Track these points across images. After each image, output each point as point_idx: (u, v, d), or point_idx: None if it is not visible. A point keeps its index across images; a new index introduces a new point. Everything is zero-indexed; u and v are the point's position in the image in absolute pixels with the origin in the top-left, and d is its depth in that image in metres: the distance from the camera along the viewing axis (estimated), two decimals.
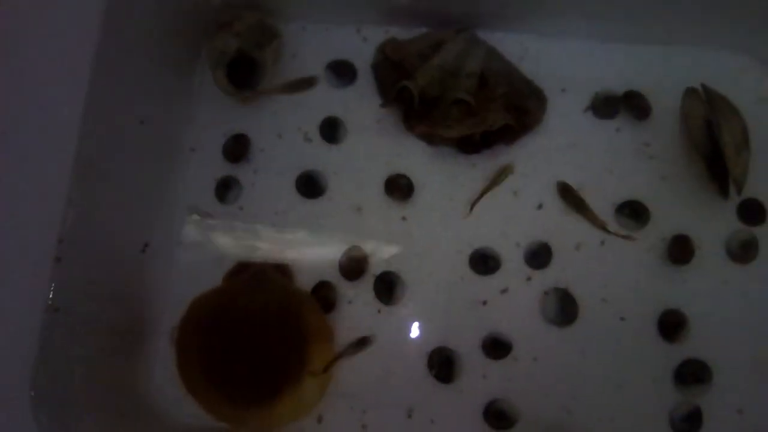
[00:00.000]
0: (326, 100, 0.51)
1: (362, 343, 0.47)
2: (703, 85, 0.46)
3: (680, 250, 0.47)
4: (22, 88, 0.39)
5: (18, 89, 0.39)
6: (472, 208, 0.47)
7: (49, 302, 0.36)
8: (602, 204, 0.48)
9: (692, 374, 0.46)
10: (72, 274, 0.38)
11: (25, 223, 0.37)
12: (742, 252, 0.47)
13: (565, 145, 0.49)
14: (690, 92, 0.47)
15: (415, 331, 0.47)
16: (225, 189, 0.50)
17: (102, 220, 0.43)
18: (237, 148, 0.50)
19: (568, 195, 0.47)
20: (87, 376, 0.40)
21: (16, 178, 0.38)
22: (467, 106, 0.47)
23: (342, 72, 0.51)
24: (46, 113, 0.39)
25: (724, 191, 0.46)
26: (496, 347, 0.47)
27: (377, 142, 0.50)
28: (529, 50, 0.50)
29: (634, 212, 0.48)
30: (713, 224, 0.47)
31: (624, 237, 0.47)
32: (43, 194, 0.38)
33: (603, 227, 0.47)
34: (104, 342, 0.42)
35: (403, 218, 0.49)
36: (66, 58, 0.40)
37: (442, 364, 0.46)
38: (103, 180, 0.43)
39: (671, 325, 0.46)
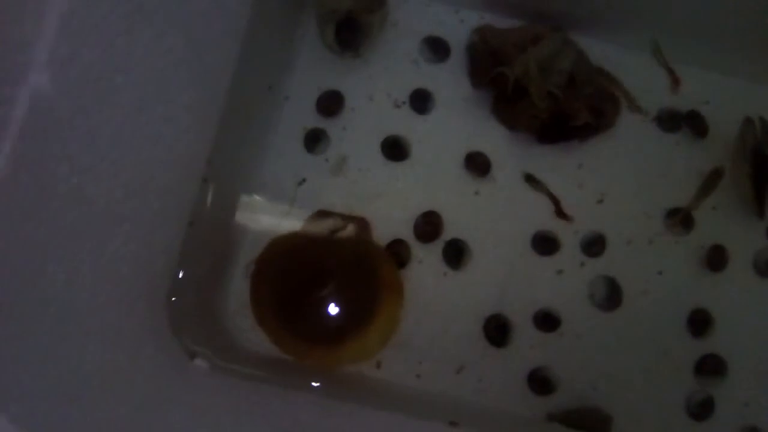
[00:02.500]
0: (419, 72, 0.54)
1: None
2: (761, 118, 0.52)
3: (716, 258, 0.53)
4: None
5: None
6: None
7: (189, 219, 0.39)
8: (655, 208, 0.53)
9: (710, 367, 0.52)
10: (207, 198, 0.41)
11: (178, 147, 0.39)
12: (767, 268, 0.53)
13: (630, 149, 0.54)
14: (748, 121, 0.52)
15: (475, 296, 0.52)
16: (314, 140, 0.53)
17: (225, 159, 0.45)
18: (331, 103, 0.53)
19: (714, 178, 0.52)
20: (198, 297, 0.42)
21: (172, 107, 0.40)
22: (554, 100, 0.51)
23: (437, 48, 0.54)
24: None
25: (761, 212, 0.52)
26: (546, 321, 0.51)
27: (462, 120, 0.53)
28: (609, 59, 0.54)
29: (683, 219, 0.53)
30: (746, 239, 0.53)
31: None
32: (192, 130, 0.40)
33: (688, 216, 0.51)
34: (208, 267, 0.45)
35: (476, 193, 0.53)
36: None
37: (497, 329, 0.51)
38: (233, 124, 0.45)
39: (699, 323, 0.52)
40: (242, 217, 0.51)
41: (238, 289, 0.50)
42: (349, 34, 0.52)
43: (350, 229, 0.52)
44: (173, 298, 0.38)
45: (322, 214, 0.52)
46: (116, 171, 0.35)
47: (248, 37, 0.42)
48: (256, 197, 0.52)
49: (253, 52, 0.51)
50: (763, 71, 0.54)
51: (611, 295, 0.52)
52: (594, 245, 0.53)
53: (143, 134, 0.37)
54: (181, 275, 0.39)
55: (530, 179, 0.52)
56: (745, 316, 0.52)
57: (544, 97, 0.50)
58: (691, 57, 0.54)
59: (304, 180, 0.52)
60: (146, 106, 0.36)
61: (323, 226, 0.52)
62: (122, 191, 0.35)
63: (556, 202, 0.52)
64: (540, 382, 0.51)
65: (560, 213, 0.52)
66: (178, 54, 0.39)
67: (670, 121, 0.54)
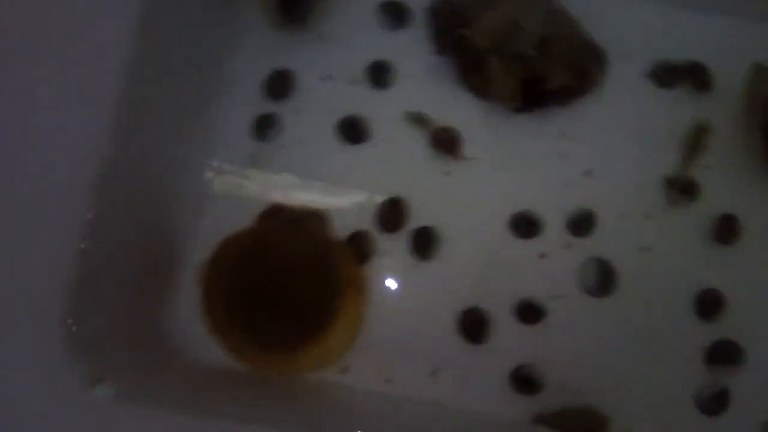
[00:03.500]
0: (377, 42, 0.48)
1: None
2: None
3: (727, 230, 0.46)
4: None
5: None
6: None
7: (87, 230, 0.35)
8: (652, 177, 0.47)
9: (724, 355, 0.45)
10: (110, 202, 0.37)
11: (64, 150, 0.35)
12: None
13: (621, 112, 0.47)
14: (757, 68, 0.45)
15: (448, 288, 0.47)
16: (265, 126, 0.48)
17: (140, 149, 0.41)
18: (280, 85, 0.48)
19: (698, 137, 0.46)
20: (118, 308, 0.39)
21: (56, 104, 0.36)
22: (527, 62, 0.45)
23: (396, 14, 0.49)
24: (94, 36, 0.37)
25: None
26: (530, 312, 0.46)
27: (427, 92, 0.48)
28: (592, 7, 0.48)
29: (684, 187, 0.46)
30: (762, 206, 0.46)
31: None
32: (83, 122, 0.36)
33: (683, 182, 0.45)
34: (135, 274, 0.41)
35: (447, 173, 0.48)
36: None
37: (474, 324, 0.46)
38: (142, 108, 0.41)
39: (708, 305, 0.46)
40: (188, 217, 0.47)
41: (189, 295, 0.47)
42: (295, 5, 0.47)
43: (308, 223, 0.48)
44: (71, 320, 0.34)
45: (276, 208, 0.48)
46: None
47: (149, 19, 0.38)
48: (203, 194, 0.48)
49: (195, 34, 0.47)
50: None
51: (603, 279, 0.46)
52: (582, 223, 0.47)
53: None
54: (82, 293, 0.35)
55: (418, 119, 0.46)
56: (763, 295, 0.46)
57: (512, 58, 0.44)
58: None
59: (252, 171, 0.48)
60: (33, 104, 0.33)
61: (277, 221, 0.48)
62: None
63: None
64: (524, 381, 0.46)
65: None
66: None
67: (667, 74, 0.47)
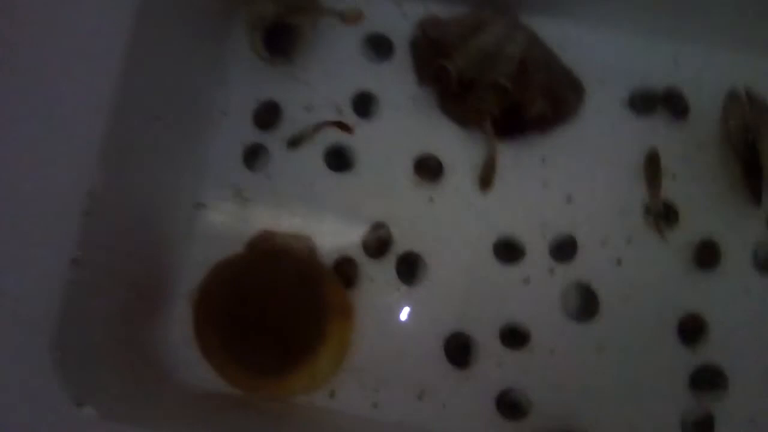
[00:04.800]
0: (361, 73, 0.50)
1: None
2: (747, 90, 0.45)
3: (707, 255, 0.47)
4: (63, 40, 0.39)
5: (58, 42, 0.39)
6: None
7: (74, 256, 0.36)
8: (632, 202, 0.47)
9: (708, 380, 0.45)
10: (98, 229, 0.38)
11: (54, 176, 0.36)
12: None
13: (599, 138, 0.48)
14: (732, 95, 0.46)
15: (433, 313, 0.47)
16: (253, 156, 0.50)
17: (131, 178, 0.42)
18: (268, 115, 0.50)
19: (652, 164, 0.47)
20: (107, 333, 0.40)
21: (48, 130, 0.37)
22: (504, 91, 0.46)
23: (379, 46, 0.50)
24: (84, 65, 0.38)
25: (756, 198, 0.46)
26: (514, 337, 0.46)
27: (409, 121, 0.49)
28: (569, 38, 0.49)
29: (659, 214, 0.47)
30: (742, 231, 0.47)
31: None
32: (73, 149, 0.37)
33: (658, 211, 0.46)
34: (125, 300, 0.42)
35: (430, 199, 0.48)
36: (106, 11, 0.40)
37: (459, 349, 0.46)
38: (134, 137, 0.42)
39: (690, 330, 0.46)
40: (179, 244, 0.48)
41: (182, 319, 0.47)
42: (279, 40, 0.48)
43: (295, 249, 0.49)
44: (61, 341, 0.35)
45: (266, 234, 0.49)
46: None
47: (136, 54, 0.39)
48: (194, 221, 0.49)
49: (186, 69, 0.48)
50: (746, 38, 0.47)
51: (586, 304, 0.46)
52: (563, 249, 0.47)
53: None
54: (68, 314, 0.36)
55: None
56: (744, 320, 0.46)
57: (489, 88, 0.45)
58: (664, 29, 0.48)
59: (242, 199, 0.49)
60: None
61: (267, 247, 0.49)
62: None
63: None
64: (510, 405, 0.46)
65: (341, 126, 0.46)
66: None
67: (645, 102, 0.49)
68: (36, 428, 0.33)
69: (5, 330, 0.34)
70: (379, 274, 0.48)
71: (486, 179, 0.48)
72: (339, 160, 0.49)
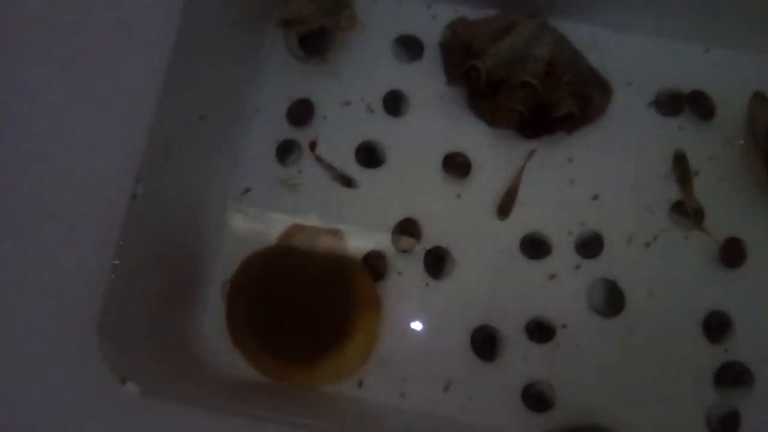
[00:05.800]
0: (392, 73, 0.51)
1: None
2: None
3: (732, 253, 0.47)
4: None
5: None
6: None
7: (120, 242, 0.38)
8: (658, 201, 0.48)
9: (733, 376, 0.46)
10: (142, 217, 0.39)
11: (105, 165, 0.38)
12: None
13: (626, 139, 0.49)
14: (758, 96, 0.47)
15: (460, 307, 0.48)
16: (286, 151, 0.51)
17: (172, 169, 0.44)
18: (300, 112, 0.51)
19: (680, 165, 0.47)
20: (146, 318, 0.41)
21: (99, 124, 0.39)
22: (532, 91, 0.47)
23: (409, 47, 0.51)
24: (132, 63, 0.40)
25: None
26: (540, 331, 0.47)
27: (439, 119, 0.50)
28: (597, 41, 0.50)
29: (694, 211, 0.47)
30: (766, 229, 0.47)
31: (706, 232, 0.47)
32: (122, 141, 0.39)
33: (696, 209, 0.46)
34: (164, 288, 0.43)
35: (458, 196, 0.49)
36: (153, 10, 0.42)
37: (485, 342, 0.47)
38: (177, 132, 0.44)
39: (716, 327, 0.46)
40: (215, 234, 0.50)
41: (215, 309, 0.49)
42: (314, 40, 0.50)
43: (325, 242, 0.50)
44: (104, 322, 0.36)
45: (297, 227, 0.50)
46: (41, 189, 0.34)
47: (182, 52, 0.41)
48: (229, 213, 0.50)
49: (224, 66, 0.50)
50: None
51: (612, 300, 0.47)
52: (590, 245, 0.48)
53: (70, 146, 0.36)
54: (112, 297, 0.37)
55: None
56: None
57: (518, 88, 0.47)
58: (690, 32, 0.49)
59: (274, 193, 0.50)
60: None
61: (298, 240, 0.50)
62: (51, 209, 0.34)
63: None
64: (535, 398, 0.46)
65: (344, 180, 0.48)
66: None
67: (671, 103, 0.49)
68: (81, 402, 0.35)
69: (54, 307, 0.36)
70: (407, 268, 0.49)
71: (504, 208, 0.49)
72: (370, 156, 0.50)
